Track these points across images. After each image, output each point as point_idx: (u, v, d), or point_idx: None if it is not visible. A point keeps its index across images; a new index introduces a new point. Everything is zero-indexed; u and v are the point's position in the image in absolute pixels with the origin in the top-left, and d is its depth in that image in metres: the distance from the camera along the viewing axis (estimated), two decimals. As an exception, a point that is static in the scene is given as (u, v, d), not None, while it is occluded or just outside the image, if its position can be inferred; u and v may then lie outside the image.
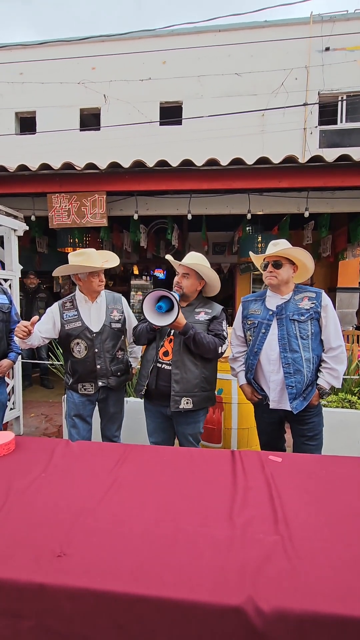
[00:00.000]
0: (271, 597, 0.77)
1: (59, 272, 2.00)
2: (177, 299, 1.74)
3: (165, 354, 1.88)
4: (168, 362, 1.86)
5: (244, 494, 1.17)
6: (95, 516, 1.06)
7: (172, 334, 1.88)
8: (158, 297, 1.76)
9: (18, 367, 3.46)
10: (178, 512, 1.08)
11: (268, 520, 1.04)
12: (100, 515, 1.06)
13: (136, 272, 8.07)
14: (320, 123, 6.99)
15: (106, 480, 1.26)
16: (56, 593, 0.80)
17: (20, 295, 3.92)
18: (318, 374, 1.83)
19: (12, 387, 3.35)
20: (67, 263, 1.96)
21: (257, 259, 1.95)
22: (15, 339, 1.79)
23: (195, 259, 1.91)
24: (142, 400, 2.04)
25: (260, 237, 5.14)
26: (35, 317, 1.71)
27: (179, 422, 1.93)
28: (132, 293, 7.03)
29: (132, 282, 7.15)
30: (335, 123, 7.01)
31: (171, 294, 1.72)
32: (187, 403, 1.84)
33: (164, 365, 1.87)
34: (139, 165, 3.60)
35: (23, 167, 3.71)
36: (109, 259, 2.08)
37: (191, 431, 1.93)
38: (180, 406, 1.83)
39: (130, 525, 1.02)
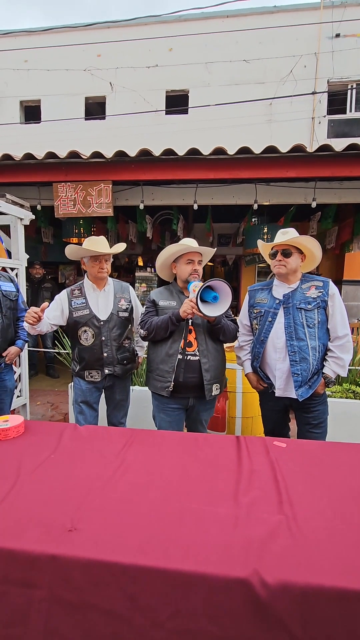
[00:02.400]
0: (275, 570, 0.79)
1: (67, 253, 2.05)
2: (230, 286, 1.74)
3: (189, 344, 1.87)
4: (193, 352, 1.85)
5: (248, 476, 1.20)
6: (103, 495, 1.09)
7: (191, 324, 1.87)
8: (204, 288, 1.73)
9: (25, 355, 3.50)
10: (184, 493, 1.11)
11: (272, 501, 1.07)
12: (108, 494, 1.09)
13: (141, 263, 8.06)
14: (329, 112, 6.87)
15: (114, 462, 1.29)
16: (68, 564, 0.83)
17: (25, 285, 3.95)
18: (324, 363, 1.84)
19: (19, 375, 3.40)
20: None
21: (265, 247, 1.94)
22: (25, 324, 1.82)
23: (197, 244, 1.93)
24: (153, 396, 1.99)
25: (266, 228, 5.09)
26: (45, 304, 1.73)
27: (200, 410, 1.96)
28: (137, 285, 7.03)
29: (137, 273, 7.14)
30: (345, 112, 6.88)
31: (224, 282, 1.72)
32: (217, 389, 1.91)
33: (189, 357, 1.85)
34: (145, 154, 3.58)
35: (29, 156, 3.70)
36: (115, 249, 2.09)
37: (208, 416, 2.02)
38: (213, 393, 1.88)
39: (137, 504, 1.05)
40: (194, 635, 0.76)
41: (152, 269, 7.78)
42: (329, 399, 2.02)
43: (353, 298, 6.61)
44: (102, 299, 2.10)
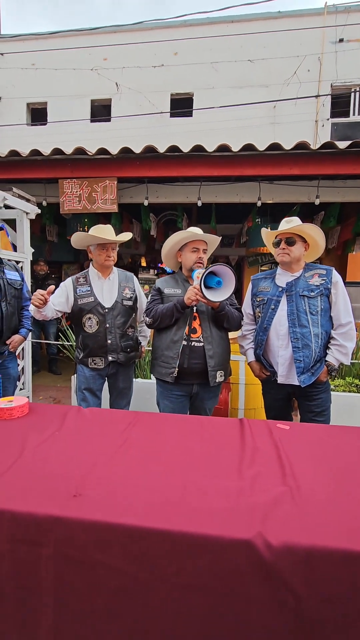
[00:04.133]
0: (280, 533, 0.79)
1: (74, 241, 2.06)
2: (233, 270, 1.76)
3: (193, 331, 1.87)
4: (197, 339, 1.86)
5: (252, 453, 1.20)
6: (108, 467, 1.09)
7: (195, 311, 1.87)
8: (209, 273, 1.74)
9: (28, 349, 3.51)
10: (187, 467, 1.11)
11: (276, 475, 1.07)
12: (112, 467, 1.09)
13: (144, 263, 8.09)
14: (333, 115, 6.93)
15: (117, 440, 1.29)
16: (72, 525, 0.83)
17: (30, 282, 3.97)
18: (327, 351, 1.85)
19: (22, 368, 3.41)
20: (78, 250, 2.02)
21: (269, 236, 1.96)
22: (31, 307, 1.84)
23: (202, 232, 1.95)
24: (157, 383, 2.00)
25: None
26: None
27: (204, 397, 1.96)
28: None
29: (140, 275, 7.15)
30: (348, 115, 6.94)
31: (227, 266, 1.72)
32: (221, 376, 1.91)
33: (194, 343, 1.86)
34: (150, 150, 3.62)
35: (35, 152, 3.75)
36: (122, 237, 2.11)
37: (212, 404, 2.02)
38: (217, 380, 1.88)
39: (141, 476, 1.05)
40: (197, 590, 0.76)
41: (155, 270, 7.82)
42: (331, 393, 2.02)
43: (356, 299, 6.59)
44: (107, 287, 2.12)
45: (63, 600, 0.82)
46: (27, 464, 1.09)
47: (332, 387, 2.71)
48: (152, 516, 0.85)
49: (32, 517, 0.85)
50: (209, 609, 0.78)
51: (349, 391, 2.66)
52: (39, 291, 1.72)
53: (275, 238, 1.90)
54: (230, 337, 2.06)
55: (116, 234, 2.09)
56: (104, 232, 2.00)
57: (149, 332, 2.42)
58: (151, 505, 0.90)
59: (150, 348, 2.13)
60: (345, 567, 0.75)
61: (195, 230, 1.93)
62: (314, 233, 1.84)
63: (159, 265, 8.16)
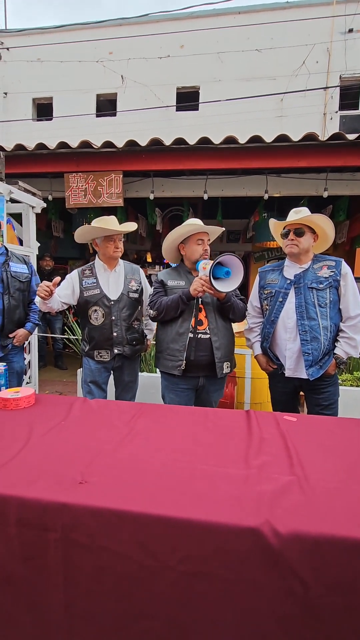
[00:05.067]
0: (288, 521, 0.78)
1: (77, 235, 2.04)
2: (240, 259, 1.74)
3: (199, 323, 1.85)
4: (203, 330, 1.85)
5: (259, 443, 1.19)
6: (113, 455, 1.09)
7: (201, 302, 1.85)
8: (216, 263, 1.71)
9: (34, 343, 3.53)
10: (194, 455, 1.10)
11: (283, 464, 1.05)
12: (118, 455, 1.09)
13: (149, 259, 8.08)
14: (341, 108, 6.81)
15: (123, 429, 1.29)
16: (79, 511, 0.83)
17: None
18: (335, 344, 1.82)
19: (29, 362, 3.43)
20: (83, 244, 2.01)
21: (277, 227, 1.93)
22: (37, 299, 1.84)
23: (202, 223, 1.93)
24: (162, 376, 1.98)
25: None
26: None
27: (210, 390, 1.95)
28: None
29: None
30: (357, 108, 6.82)
31: (234, 256, 1.70)
32: (227, 367, 1.90)
33: (200, 335, 1.84)
34: (155, 143, 3.60)
35: (41, 146, 3.75)
36: (128, 227, 2.10)
37: (217, 397, 2.01)
38: (223, 371, 1.87)
39: (147, 463, 1.04)
40: (204, 578, 0.75)
41: (162, 267, 7.79)
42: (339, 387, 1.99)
43: (364, 295, 6.51)
44: (113, 279, 2.12)
45: (73, 579, 0.82)
46: (34, 451, 1.10)
47: (339, 381, 2.68)
48: (158, 503, 0.84)
49: (39, 502, 0.85)
50: (215, 596, 0.77)
51: (357, 386, 2.63)
52: (45, 282, 1.72)
53: (284, 229, 1.87)
54: (235, 330, 2.05)
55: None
56: (109, 223, 1.99)
57: (154, 325, 2.41)
58: (157, 492, 0.89)
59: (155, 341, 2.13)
60: (353, 555, 0.73)
61: (197, 222, 1.91)
62: (323, 224, 1.81)
63: (165, 261, 8.13)
